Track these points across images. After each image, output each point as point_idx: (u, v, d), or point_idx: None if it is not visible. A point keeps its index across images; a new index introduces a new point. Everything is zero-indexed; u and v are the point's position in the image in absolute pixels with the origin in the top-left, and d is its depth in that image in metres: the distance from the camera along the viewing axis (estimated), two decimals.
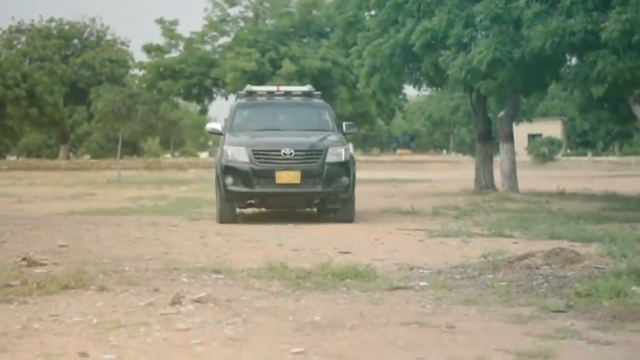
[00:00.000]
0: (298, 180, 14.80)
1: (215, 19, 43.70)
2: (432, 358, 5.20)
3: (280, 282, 7.93)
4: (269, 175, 14.82)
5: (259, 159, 14.85)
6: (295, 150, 14.86)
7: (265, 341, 5.55)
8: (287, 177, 14.79)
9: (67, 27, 67.59)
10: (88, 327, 5.81)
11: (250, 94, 17.05)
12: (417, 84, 26.42)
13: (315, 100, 17.05)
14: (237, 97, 17.68)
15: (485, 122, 27.83)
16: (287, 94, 17.21)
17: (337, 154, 15.06)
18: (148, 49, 43.63)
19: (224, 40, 44.04)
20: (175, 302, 6.70)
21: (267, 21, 43.90)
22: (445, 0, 20.84)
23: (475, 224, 14.84)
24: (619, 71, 16.45)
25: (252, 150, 14.88)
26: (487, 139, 27.63)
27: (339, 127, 16.25)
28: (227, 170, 14.95)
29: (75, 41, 68.03)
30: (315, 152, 14.98)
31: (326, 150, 14.99)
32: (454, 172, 34.94)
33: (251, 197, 15.18)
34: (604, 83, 17.85)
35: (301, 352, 5.27)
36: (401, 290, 7.65)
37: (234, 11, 44.14)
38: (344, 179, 15.04)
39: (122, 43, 69.08)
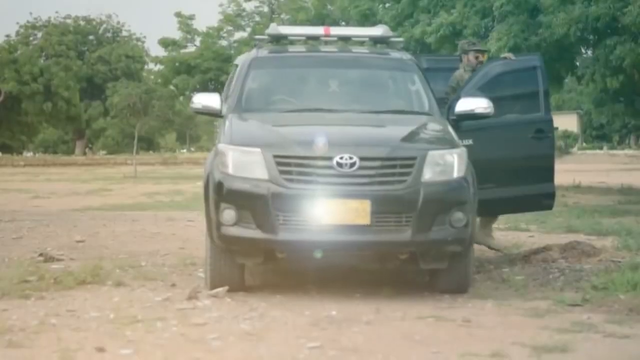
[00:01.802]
0: (366, 219, 6.88)
1: (231, 13, 43.82)
2: (448, 352, 5.20)
3: (296, 276, 7.93)
4: (306, 208, 6.89)
5: (288, 172, 6.95)
6: (361, 157, 6.95)
7: (281, 336, 5.56)
8: (344, 211, 6.90)
9: (83, 23, 67.75)
10: (105, 323, 5.84)
11: (278, 39, 8.99)
12: None
13: (396, 54, 8.84)
14: (254, 47, 9.06)
15: None
16: (344, 40, 9.17)
17: (443, 164, 7.20)
18: (164, 43, 43.79)
19: (240, 35, 44.14)
20: (191, 297, 6.72)
21: (283, 16, 43.93)
22: None
23: None
24: (638, 57, 16.57)
25: (275, 156, 6.99)
26: None
27: (442, 106, 8.37)
28: (225, 195, 7.05)
29: (91, 37, 68.20)
30: (401, 161, 7.08)
31: (423, 156, 7.10)
32: None
33: (271, 249, 7.18)
34: (622, 70, 17.91)
35: (317, 346, 5.27)
36: (417, 284, 7.64)
37: (249, 6, 44.25)
38: (457, 215, 7.07)
39: (138, 39, 69.26)
